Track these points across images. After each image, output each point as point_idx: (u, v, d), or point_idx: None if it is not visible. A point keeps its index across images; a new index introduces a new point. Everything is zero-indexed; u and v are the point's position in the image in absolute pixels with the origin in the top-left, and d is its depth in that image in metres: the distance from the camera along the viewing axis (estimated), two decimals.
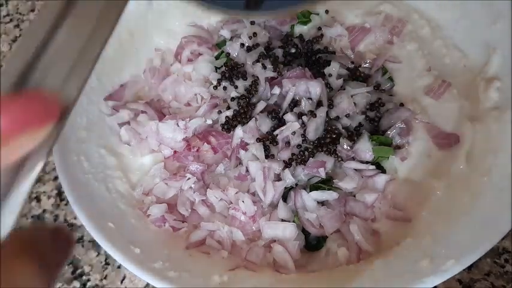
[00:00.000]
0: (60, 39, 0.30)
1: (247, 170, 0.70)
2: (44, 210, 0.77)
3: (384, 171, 0.69)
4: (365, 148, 0.68)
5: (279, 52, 0.79)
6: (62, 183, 0.62)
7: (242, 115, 0.73)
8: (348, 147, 0.68)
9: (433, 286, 0.51)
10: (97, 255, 0.73)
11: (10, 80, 0.28)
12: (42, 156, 0.29)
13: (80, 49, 0.30)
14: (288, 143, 0.70)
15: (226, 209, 0.69)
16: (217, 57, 0.82)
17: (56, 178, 0.80)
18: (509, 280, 0.66)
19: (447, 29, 0.78)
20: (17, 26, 1.00)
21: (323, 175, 0.67)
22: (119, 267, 0.71)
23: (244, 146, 0.71)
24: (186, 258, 0.64)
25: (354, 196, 0.68)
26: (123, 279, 0.71)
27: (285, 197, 0.69)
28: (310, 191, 0.67)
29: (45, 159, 0.29)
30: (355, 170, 0.68)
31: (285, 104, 0.73)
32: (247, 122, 0.72)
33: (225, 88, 0.77)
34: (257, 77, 0.76)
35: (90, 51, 0.31)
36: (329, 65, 0.76)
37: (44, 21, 0.30)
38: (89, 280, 0.71)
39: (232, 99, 0.76)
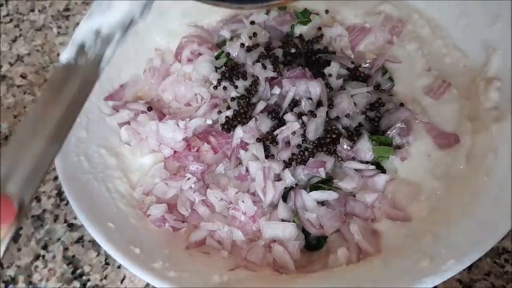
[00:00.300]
0: (24, 145, 0.38)
1: (247, 170, 0.70)
2: (44, 210, 0.77)
3: (384, 171, 0.69)
4: (365, 148, 0.68)
5: (279, 52, 0.79)
6: (62, 183, 0.62)
7: (242, 115, 0.73)
8: (348, 147, 0.68)
9: (433, 286, 0.51)
10: (97, 255, 0.73)
11: None
12: None
13: (39, 154, 0.39)
14: (288, 143, 0.70)
15: (226, 209, 0.69)
16: (217, 57, 0.82)
17: (56, 178, 0.80)
18: (509, 280, 0.66)
19: (447, 29, 0.78)
20: (17, 26, 1.00)
21: (323, 175, 0.67)
22: (119, 267, 0.71)
23: (244, 146, 0.71)
24: (186, 258, 0.64)
25: (354, 196, 0.68)
26: (123, 279, 0.71)
27: (285, 197, 0.69)
28: (310, 191, 0.67)
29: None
30: (355, 170, 0.68)
31: (285, 104, 0.73)
32: (247, 122, 0.72)
33: (225, 88, 0.77)
34: (257, 77, 0.76)
35: (47, 156, 0.40)
36: (329, 65, 0.76)
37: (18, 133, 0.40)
38: (89, 280, 0.71)
39: (232, 99, 0.76)
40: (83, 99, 0.42)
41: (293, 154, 0.69)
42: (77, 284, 0.71)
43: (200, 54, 0.82)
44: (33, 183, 0.38)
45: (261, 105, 0.73)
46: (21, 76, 0.93)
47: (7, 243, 0.36)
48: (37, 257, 0.73)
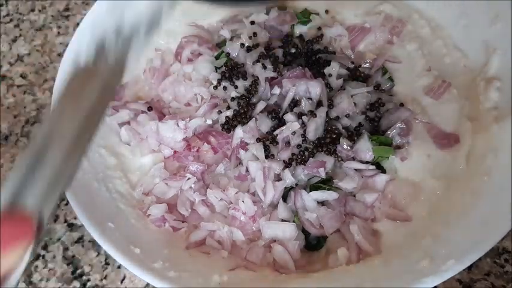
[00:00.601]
0: (41, 161, 0.33)
1: (247, 170, 0.70)
2: None
3: (384, 171, 0.69)
4: (365, 148, 0.68)
5: (279, 52, 0.79)
6: None
7: (242, 115, 0.73)
8: (348, 147, 0.68)
9: (433, 286, 0.51)
10: (97, 255, 0.73)
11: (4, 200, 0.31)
12: (15, 278, 0.30)
13: (57, 166, 0.34)
14: (288, 143, 0.70)
15: (226, 209, 0.69)
16: (217, 57, 0.82)
17: None
18: (509, 280, 0.66)
19: (447, 29, 0.78)
20: (17, 26, 1.00)
21: (323, 175, 0.67)
22: (119, 267, 0.71)
23: (244, 146, 0.71)
24: (186, 258, 0.64)
25: (354, 196, 0.68)
26: (123, 279, 0.71)
27: (285, 197, 0.69)
28: (310, 191, 0.67)
29: (18, 279, 0.31)
30: (355, 170, 0.68)
31: (285, 104, 0.73)
32: (247, 122, 0.72)
33: (225, 88, 0.77)
34: (257, 77, 0.76)
35: (66, 169, 0.34)
36: (329, 65, 0.76)
37: (32, 147, 0.34)
38: (89, 280, 0.71)
39: (232, 99, 0.76)
40: (104, 106, 0.37)
41: (293, 154, 0.69)
42: (77, 284, 0.71)
43: (200, 54, 0.82)
44: (51, 197, 0.33)
45: (261, 105, 0.73)
46: (21, 76, 0.93)
47: (23, 267, 0.30)
48: (37, 257, 0.73)
